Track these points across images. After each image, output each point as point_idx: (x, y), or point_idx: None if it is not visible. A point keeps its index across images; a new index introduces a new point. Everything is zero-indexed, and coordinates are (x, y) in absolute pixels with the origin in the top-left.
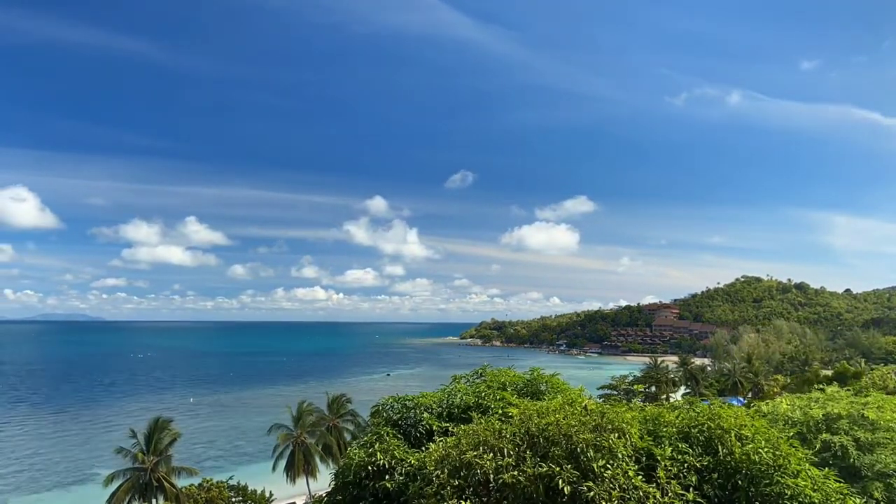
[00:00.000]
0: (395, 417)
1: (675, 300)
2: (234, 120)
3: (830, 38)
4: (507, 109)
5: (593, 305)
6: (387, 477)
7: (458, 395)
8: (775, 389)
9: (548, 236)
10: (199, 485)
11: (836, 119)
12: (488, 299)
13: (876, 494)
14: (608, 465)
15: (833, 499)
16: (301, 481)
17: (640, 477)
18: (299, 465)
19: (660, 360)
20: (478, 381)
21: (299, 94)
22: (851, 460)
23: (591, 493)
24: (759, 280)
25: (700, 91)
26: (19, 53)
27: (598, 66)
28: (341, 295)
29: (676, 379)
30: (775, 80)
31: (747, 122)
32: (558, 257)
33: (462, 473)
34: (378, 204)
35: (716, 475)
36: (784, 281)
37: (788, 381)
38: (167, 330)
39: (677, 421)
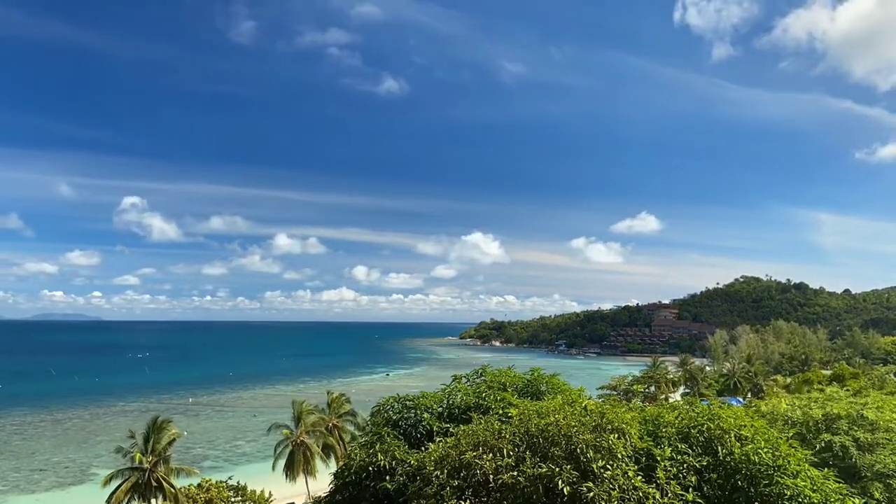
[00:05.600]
0: (395, 418)
1: (674, 300)
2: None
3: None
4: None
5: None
6: (387, 478)
7: (459, 396)
8: (774, 390)
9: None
10: (199, 485)
11: (808, 109)
12: (502, 300)
13: (876, 494)
14: (608, 466)
15: (832, 499)
16: (301, 481)
17: (639, 477)
18: (299, 466)
19: (659, 360)
20: (478, 381)
21: (271, 85)
22: (852, 460)
23: (591, 494)
24: (758, 280)
25: (662, 80)
26: None
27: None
28: (364, 297)
29: (676, 379)
30: (737, 67)
31: (715, 112)
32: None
33: (462, 474)
34: (421, 205)
35: (715, 475)
36: (783, 281)
37: (788, 381)
38: (171, 331)
39: (677, 421)
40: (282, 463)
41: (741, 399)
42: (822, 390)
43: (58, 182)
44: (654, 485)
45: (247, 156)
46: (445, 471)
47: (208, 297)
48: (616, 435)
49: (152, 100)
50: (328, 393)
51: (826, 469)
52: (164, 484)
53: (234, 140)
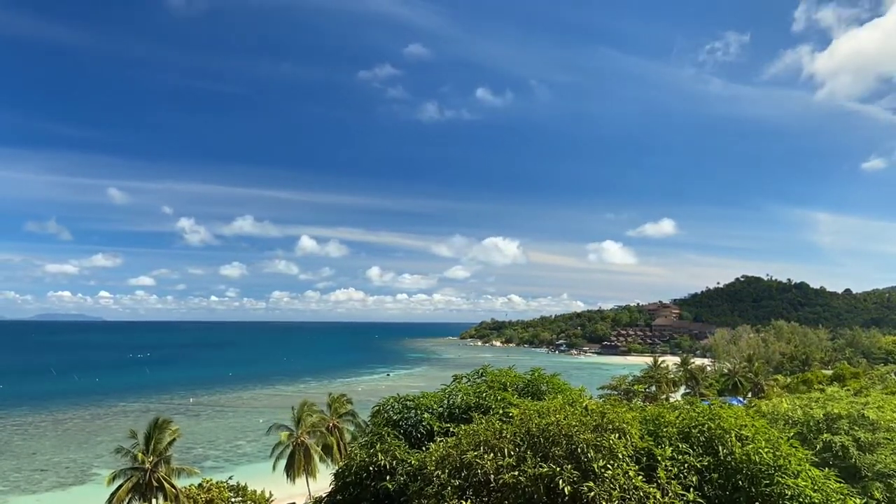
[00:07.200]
0: (395, 418)
1: (675, 300)
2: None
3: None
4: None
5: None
6: (388, 477)
7: (459, 395)
8: (775, 389)
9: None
10: (199, 485)
11: (807, 109)
12: (506, 300)
13: (877, 494)
14: (609, 466)
15: (833, 499)
16: (301, 481)
17: (640, 477)
18: (299, 466)
19: (660, 360)
20: (478, 381)
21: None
22: (852, 460)
23: (592, 494)
24: (758, 280)
25: (662, 80)
26: None
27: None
28: (371, 298)
29: (677, 379)
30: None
31: (714, 112)
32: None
33: (463, 474)
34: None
35: (716, 475)
36: (783, 281)
37: (788, 381)
38: (175, 331)
39: (677, 421)
40: (282, 463)
41: (742, 399)
42: (822, 390)
43: (95, 186)
44: (654, 484)
45: (263, 159)
46: (446, 470)
47: (214, 298)
48: (617, 435)
49: (184, 105)
50: (329, 394)
51: (827, 469)
52: (165, 484)
53: (255, 143)
